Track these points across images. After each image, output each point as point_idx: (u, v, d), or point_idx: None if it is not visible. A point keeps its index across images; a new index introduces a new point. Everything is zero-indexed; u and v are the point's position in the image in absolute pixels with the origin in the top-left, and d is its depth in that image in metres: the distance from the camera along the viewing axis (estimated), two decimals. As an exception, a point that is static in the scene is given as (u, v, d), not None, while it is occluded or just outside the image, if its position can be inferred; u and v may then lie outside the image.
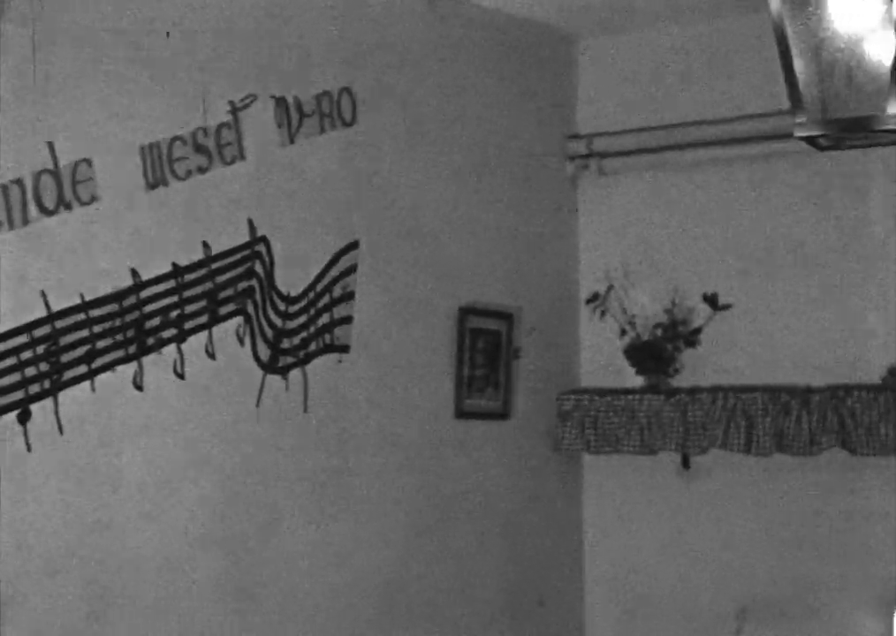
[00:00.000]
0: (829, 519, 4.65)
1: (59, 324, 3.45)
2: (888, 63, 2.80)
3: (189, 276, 3.77)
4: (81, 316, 3.49)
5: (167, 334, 3.69)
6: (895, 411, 4.41)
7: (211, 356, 3.81)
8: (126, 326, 3.59)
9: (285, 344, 4.03)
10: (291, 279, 4.05)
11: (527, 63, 4.96)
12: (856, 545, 4.59)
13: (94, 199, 3.53)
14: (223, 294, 3.85)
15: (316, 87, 4.14)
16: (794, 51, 2.86)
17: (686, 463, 4.87)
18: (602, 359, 5.04)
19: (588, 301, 5.03)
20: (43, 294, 3.42)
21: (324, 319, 4.15)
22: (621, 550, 5.00)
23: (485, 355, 4.68)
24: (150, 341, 3.66)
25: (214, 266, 3.84)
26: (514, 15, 4.84)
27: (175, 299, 3.73)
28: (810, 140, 2.98)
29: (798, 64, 2.87)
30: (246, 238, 3.93)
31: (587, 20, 4.94)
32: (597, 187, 5.09)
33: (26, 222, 3.39)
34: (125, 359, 3.59)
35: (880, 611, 4.15)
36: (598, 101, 5.09)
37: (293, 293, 4.06)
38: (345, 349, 4.20)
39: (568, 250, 5.11)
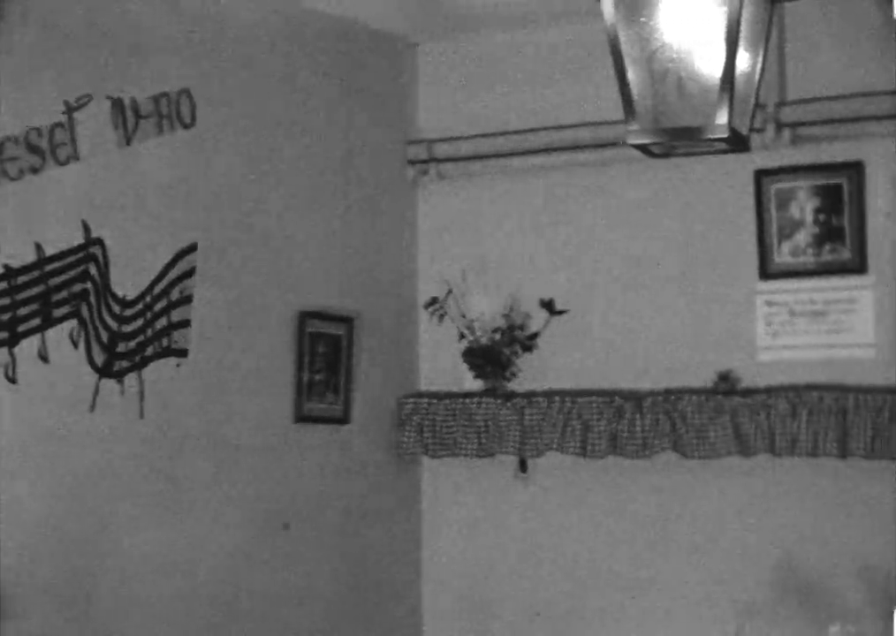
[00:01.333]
0: (662, 520, 4.73)
1: None
2: (717, 74, 2.87)
3: (21, 278, 3.70)
4: None
5: (-2, 337, 3.63)
6: (725, 414, 4.51)
7: (44, 359, 3.75)
8: (-44, 329, 3.52)
9: (121, 347, 3.98)
10: (127, 282, 4.00)
11: (367, 67, 4.97)
12: (700, 543, 4.68)
13: (-78, 198, 3.46)
14: (56, 297, 3.79)
15: (154, 89, 4.10)
16: (628, 60, 2.91)
17: (523, 466, 4.92)
18: (441, 364, 5.07)
19: (427, 306, 5.06)
20: None
21: (162, 322, 4.11)
22: (459, 553, 5.04)
23: (325, 360, 4.68)
24: (-20, 344, 3.59)
25: (47, 268, 3.77)
26: (355, 20, 4.85)
27: (7, 301, 3.66)
28: (643, 148, 3.04)
29: (631, 73, 2.93)
30: (81, 240, 3.87)
31: (427, 26, 4.97)
32: (437, 192, 5.12)
33: None
34: (-45, 363, 3.52)
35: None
36: (439, 106, 5.12)
37: (130, 296, 4.01)
38: (183, 353, 4.16)
39: (408, 254, 5.13)
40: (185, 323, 4.17)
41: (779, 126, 4.52)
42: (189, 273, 4.19)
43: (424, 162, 5.08)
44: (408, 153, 5.10)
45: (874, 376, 4.43)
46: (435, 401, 4.92)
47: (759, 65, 3.01)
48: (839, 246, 4.52)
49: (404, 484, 5.06)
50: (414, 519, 5.09)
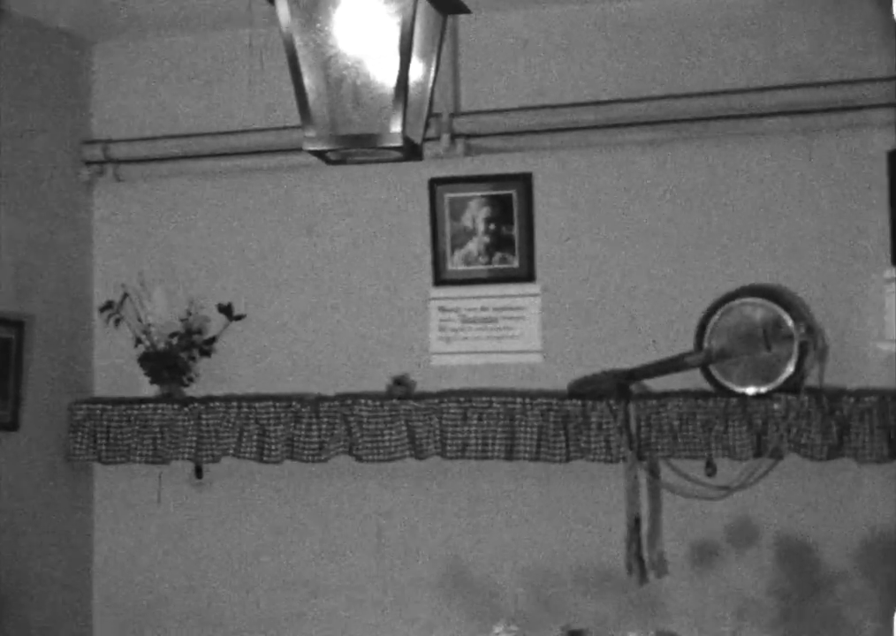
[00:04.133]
0: (338, 523, 4.77)
1: None
2: (391, 83, 2.92)
3: None
4: None
5: None
6: (400, 418, 4.58)
7: None
8: None
9: None
10: None
11: (41, 66, 4.84)
12: (377, 544, 4.74)
13: None
14: None
15: None
16: (304, 66, 2.94)
17: (198, 472, 4.88)
18: (116, 369, 4.98)
19: (103, 309, 4.97)
20: None
21: None
22: (132, 560, 4.95)
23: (-7, 364, 4.54)
24: None
25: None
26: (29, 17, 4.72)
27: None
28: (319, 154, 3.07)
29: (307, 80, 2.95)
30: None
31: (103, 25, 4.87)
32: (114, 194, 5.03)
33: None
34: None
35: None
36: (117, 106, 5.03)
37: None
38: None
39: (83, 257, 5.02)
40: None
41: (454, 137, 4.64)
42: None
43: (100, 162, 4.99)
44: (84, 153, 5.00)
45: (541, 381, 4.59)
46: (109, 407, 4.83)
47: (432, 76, 3.08)
48: (509, 254, 4.66)
49: (76, 491, 4.94)
50: (86, 527, 4.98)
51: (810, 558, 4.36)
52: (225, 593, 4.87)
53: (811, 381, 4.30)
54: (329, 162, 3.13)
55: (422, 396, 4.63)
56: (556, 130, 4.59)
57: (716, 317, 4.38)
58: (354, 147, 3.01)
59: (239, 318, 4.88)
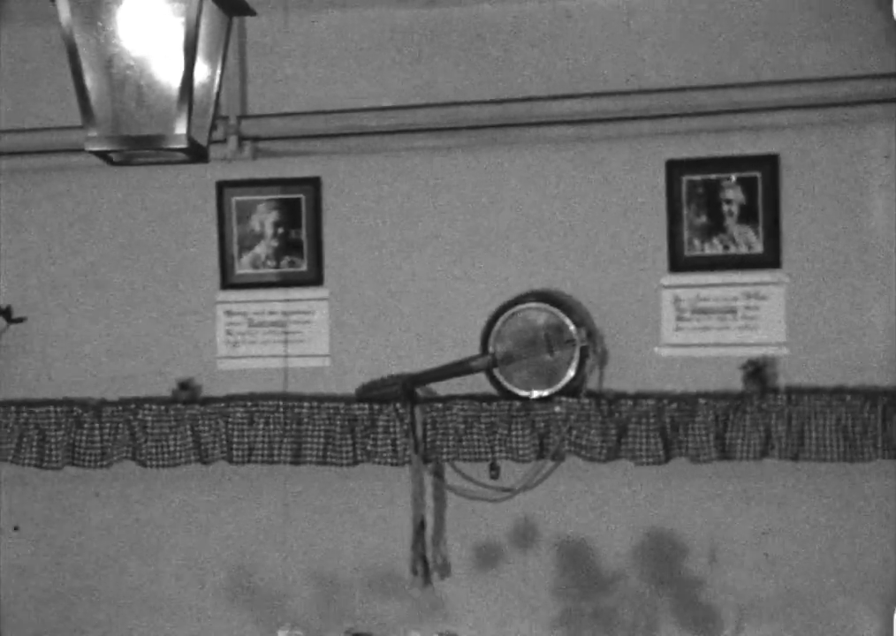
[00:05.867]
0: (122, 528, 4.71)
1: None
2: (176, 84, 2.90)
3: None
4: None
5: None
6: (185, 423, 4.54)
7: None
8: None
9: None
10: None
11: None
12: (164, 549, 4.69)
13: None
14: None
15: None
16: (86, 65, 2.90)
17: (-24, 478, 4.77)
18: None
19: None
20: None
21: None
22: None
23: None
24: None
25: None
26: None
27: None
28: (102, 155, 3.03)
29: (89, 79, 2.91)
30: None
31: None
32: None
33: None
34: None
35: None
36: None
37: None
38: None
39: None
40: None
41: (241, 139, 4.61)
42: None
43: None
44: None
45: (329, 386, 4.60)
46: None
47: (218, 77, 3.07)
48: (298, 258, 4.66)
49: None
50: None
51: (590, 558, 4.46)
52: None
53: (592, 384, 4.40)
54: (112, 163, 3.09)
55: (208, 400, 4.59)
56: (344, 134, 4.61)
57: (500, 322, 4.45)
58: (138, 149, 2.98)
59: (18, 321, 4.77)
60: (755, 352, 4.33)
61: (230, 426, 4.53)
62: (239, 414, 4.53)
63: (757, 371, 4.27)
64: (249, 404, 4.52)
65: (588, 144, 4.47)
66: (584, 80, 4.47)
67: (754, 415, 4.23)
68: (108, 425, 4.58)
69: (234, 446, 4.52)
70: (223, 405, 4.54)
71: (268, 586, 4.63)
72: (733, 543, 4.35)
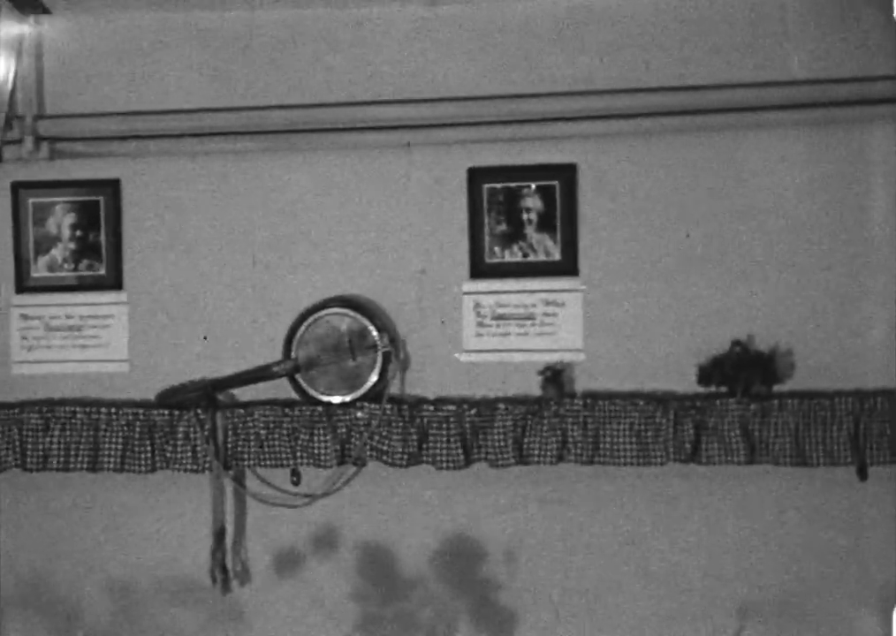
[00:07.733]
0: None
1: None
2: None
3: None
4: None
5: None
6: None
7: None
8: None
9: None
10: None
11: None
12: None
13: None
14: None
15: None
16: None
17: None
18: None
19: None
20: None
21: None
22: None
23: None
24: None
25: None
26: None
27: None
28: None
29: None
30: None
31: None
32: None
33: None
34: None
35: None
36: None
37: None
38: None
39: None
40: None
41: (38, 140, 4.53)
42: None
43: None
44: None
45: (128, 391, 4.54)
46: None
47: (11, 76, 3.02)
48: (96, 262, 4.59)
49: None
50: None
51: (390, 563, 4.48)
52: None
53: (394, 390, 4.42)
54: None
55: (2, 406, 4.50)
56: (144, 136, 4.56)
57: (303, 327, 4.45)
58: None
59: None
60: (554, 358, 4.41)
61: (24, 432, 4.45)
62: (33, 420, 4.45)
63: (555, 376, 4.34)
64: (44, 409, 4.45)
65: (391, 150, 4.50)
66: (387, 87, 4.50)
67: (551, 420, 4.30)
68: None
69: (28, 453, 4.44)
70: (16, 410, 4.46)
71: (61, 597, 4.55)
72: (531, 547, 4.42)
